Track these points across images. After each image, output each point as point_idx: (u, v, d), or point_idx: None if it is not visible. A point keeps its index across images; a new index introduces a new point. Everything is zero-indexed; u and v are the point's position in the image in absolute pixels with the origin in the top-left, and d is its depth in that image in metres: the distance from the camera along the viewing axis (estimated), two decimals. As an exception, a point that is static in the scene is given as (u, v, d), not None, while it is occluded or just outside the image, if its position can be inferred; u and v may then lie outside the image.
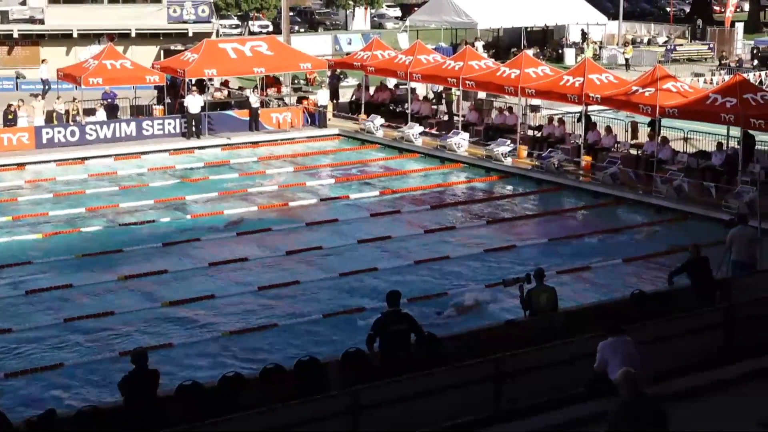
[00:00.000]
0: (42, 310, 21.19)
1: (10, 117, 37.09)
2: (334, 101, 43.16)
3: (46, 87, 43.11)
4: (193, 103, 38.08)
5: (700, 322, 15.37)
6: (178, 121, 38.47)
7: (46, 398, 16.74)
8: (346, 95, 44.71)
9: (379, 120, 39.14)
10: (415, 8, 72.63)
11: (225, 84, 44.48)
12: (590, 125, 33.64)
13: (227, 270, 23.91)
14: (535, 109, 39.60)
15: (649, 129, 33.14)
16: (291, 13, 65.00)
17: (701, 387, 13.89)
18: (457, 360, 14.23)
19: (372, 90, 43.46)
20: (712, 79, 47.99)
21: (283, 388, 13.81)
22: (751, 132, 29.37)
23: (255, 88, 42.37)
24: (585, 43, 61.94)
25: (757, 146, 30.80)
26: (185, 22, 51.44)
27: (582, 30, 64.22)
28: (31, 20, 51.41)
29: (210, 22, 52.63)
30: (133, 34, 49.68)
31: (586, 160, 31.94)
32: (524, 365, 13.58)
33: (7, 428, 11.82)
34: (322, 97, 41.99)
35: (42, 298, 21.86)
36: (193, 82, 39.86)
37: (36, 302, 21.64)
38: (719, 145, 30.57)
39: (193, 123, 38.11)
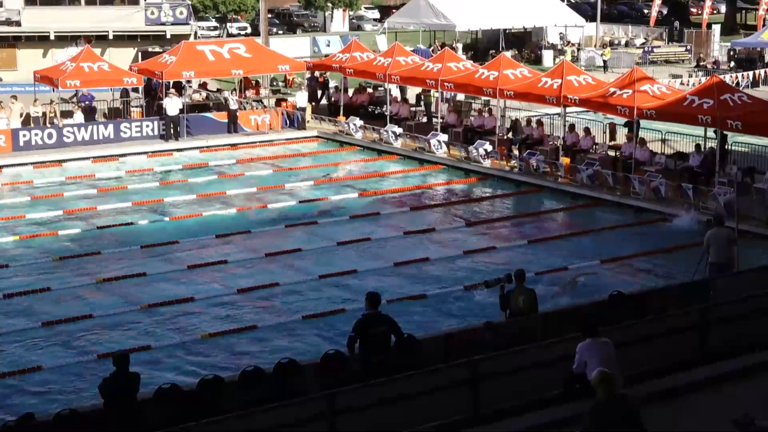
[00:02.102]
0: (19, 313, 21.08)
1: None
2: (313, 104, 43.15)
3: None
4: (171, 105, 38.00)
5: (676, 323, 15.44)
6: (156, 123, 38.37)
7: (23, 402, 16.67)
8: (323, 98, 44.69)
9: (358, 122, 39.18)
10: (394, 10, 72.70)
11: (203, 86, 44.42)
12: (569, 127, 33.77)
13: (207, 272, 23.87)
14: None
15: (626, 130, 33.30)
16: (269, 15, 64.92)
17: (678, 388, 13.97)
18: (434, 362, 14.24)
19: (351, 92, 43.48)
20: (689, 81, 48.24)
21: (262, 391, 13.79)
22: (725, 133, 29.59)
23: (233, 90, 42.32)
24: (565, 45, 62.13)
25: (734, 147, 31.00)
26: (163, 24, 51.31)
27: (560, 34, 64.45)
28: (8, 22, 51.12)
29: (188, 24, 52.51)
30: (110, 36, 49.51)
31: (564, 161, 32.04)
32: (501, 367, 13.60)
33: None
34: (300, 99, 41.97)
35: (19, 301, 21.75)
36: (171, 84, 39.77)
37: (13, 305, 21.53)
38: (697, 146, 30.73)
39: (172, 125, 38.03)
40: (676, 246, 24.71)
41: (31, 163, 35.24)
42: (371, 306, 14.55)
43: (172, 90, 39.21)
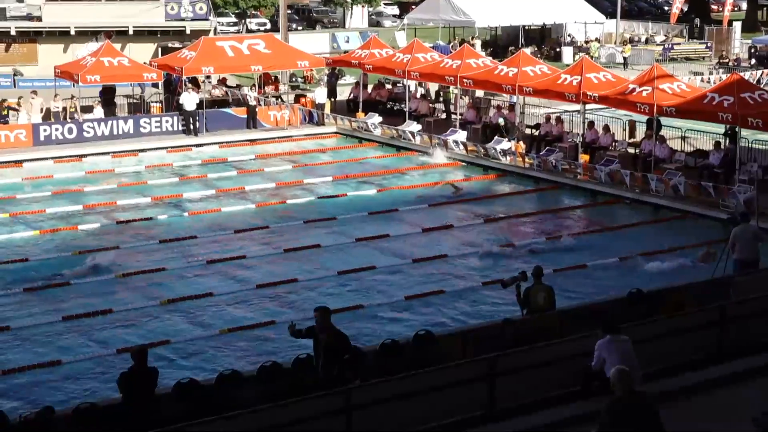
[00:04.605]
0: (40, 307, 21.19)
1: (4, 113, 37.11)
2: (332, 99, 43.18)
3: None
4: (189, 100, 38.11)
5: (695, 321, 15.39)
6: (175, 118, 38.50)
7: (43, 395, 16.77)
8: (343, 93, 44.71)
9: (377, 118, 39.20)
10: (413, 6, 72.62)
11: (222, 82, 44.51)
12: (588, 124, 33.70)
13: (226, 267, 23.94)
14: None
15: (645, 127, 33.20)
16: (289, 11, 64.93)
17: (696, 385, 13.94)
18: (451, 358, 14.25)
19: (370, 88, 43.50)
20: (709, 78, 48.04)
21: (280, 386, 13.83)
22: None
23: (252, 86, 42.41)
24: (589, 42, 61.91)
25: (754, 145, 30.87)
26: (183, 19, 51.43)
27: (585, 32, 64.35)
28: (29, 17, 51.40)
29: (207, 19, 52.63)
30: (130, 32, 49.66)
31: (584, 159, 31.98)
32: (518, 364, 13.59)
33: (3, 426, 11.83)
34: (319, 95, 42.00)
35: (39, 296, 21.87)
36: (188, 80, 39.86)
37: (33, 300, 21.65)
38: (717, 144, 30.62)
39: (190, 120, 38.15)
40: (696, 243, 24.65)
41: (52, 158, 35.40)
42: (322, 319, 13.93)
43: (190, 85, 39.29)
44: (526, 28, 62.39)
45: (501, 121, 36.14)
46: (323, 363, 13.64)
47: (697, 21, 71.73)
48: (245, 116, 39.74)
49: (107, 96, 39.76)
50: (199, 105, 38.61)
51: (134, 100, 40.63)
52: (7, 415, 12.52)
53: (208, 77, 42.98)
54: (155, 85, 41.75)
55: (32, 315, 20.72)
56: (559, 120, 35.43)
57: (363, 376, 13.50)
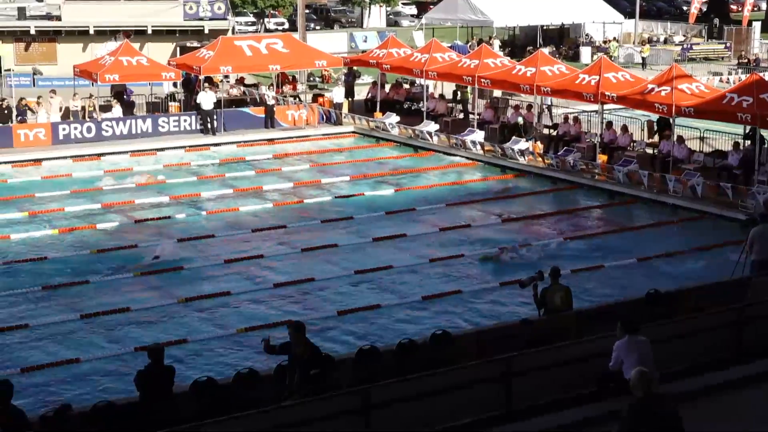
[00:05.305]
0: (58, 305, 21.29)
1: (23, 110, 37.29)
2: (350, 99, 43.21)
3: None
4: (206, 99, 38.20)
5: (713, 321, 15.34)
6: (193, 117, 38.62)
7: (61, 393, 16.85)
8: (361, 93, 44.74)
9: (394, 118, 39.20)
10: (431, 6, 72.58)
11: (240, 81, 44.59)
12: (606, 124, 33.61)
13: (243, 266, 23.99)
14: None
15: (657, 127, 33.21)
16: (307, 11, 65.04)
17: (714, 387, 13.88)
18: (467, 358, 14.24)
19: (387, 88, 43.51)
20: (728, 79, 47.84)
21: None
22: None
23: (270, 86, 42.47)
24: (608, 42, 61.75)
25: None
26: (201, 19, 51.55)
27: (603, 32, 64.20)
28: (48, 17, 51.63)
29: (226, 19, 52.73)
30: (149, 31, 49.80)
31: (601, 159, 31.90)
32: (535, 364, 13.57)
33: (23, 425, 11.88)
34: (337, 94, 42.04)
35: (58, 294, 21.97)
36: (204, 79, 39.98)
37: (52, 298, 21.75)
38: (735, 144, 30.50)
39: (207, 119, 38.25)
40: (714, 244, 24.56)
41: (71, 157, 35.55)
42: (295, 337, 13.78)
43: (207, 84, 39.40)
44: (545, 27, 62.30)
45: (520, 120, 36.14)
46: (298, 379, 13.36)
47: (716, 21, 71.45)
48: (263, 116, 39.82)
49: (118, 96, 39.95)
50: (217, 104, 38.69)
51: (154, 99, 40.71)
52: (26, 413, 12.56)
53: (226, 77, 43.06)
54: (175, 85, 41.89)
55: (50, 313, 20.80)
56: (577, 120, 35.35)
57: (381, 376, 13.50)
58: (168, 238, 25.59)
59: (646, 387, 10.43)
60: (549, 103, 38.64)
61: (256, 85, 44.26)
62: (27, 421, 11.99)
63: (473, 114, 38.80)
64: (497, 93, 40.76)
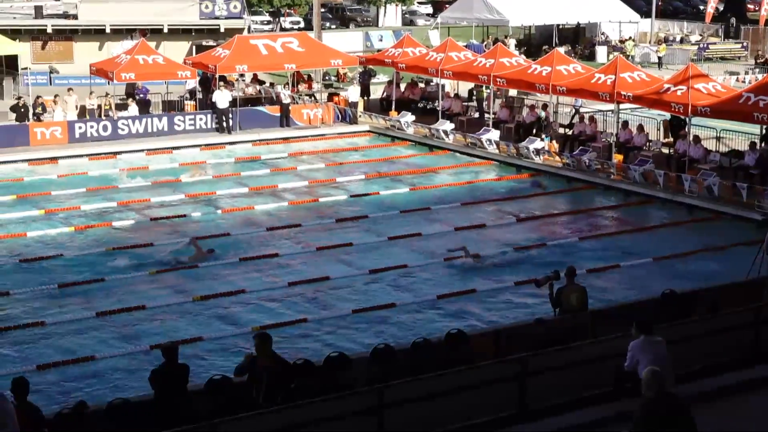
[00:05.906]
0: (74, 303, 21.35)
1: (38, 110, 37.42)
2: (365, 98, 43.21)
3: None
4: (221, 98, 38.26)
5: (729, 322, 15.28)
6: (209, 116, 38.68)
7: (77, 391, 16.90)
8: (376, 92, 44.73)
9: (409, 117, 39.19)
10: (447, 5, 72.51)
11: (255, 80, 44.63)
12: (622, 124, 33.52)
13: (258, 265, 24.01)
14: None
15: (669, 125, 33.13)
16: (322, 10, 65.00)
17: (731, 387, 13.83)
18: (483, 358, 14.22)
19: (403, 87, 43.49)
20: (745, 78, 47.65)
21: (311, 384, 13.84)
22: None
23: (286, 84, 42.50)
24: (624, 41, 61.57)
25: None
26: (217, 18, 51.60)
27: (620, 31, 64.03)
28: (65, 15, 51.76)
29: (242, 18, 52.75)
30: (165, 30, 49.87)
31: (617, 158, 31.81)
32: (550, 364, 13.55)
33: (39, 421, 11.93)
34: (352, 93, 42.04)
35: (74, 291, 22.03)
36: (219, 78, 40.05)
37: (68, 295, 21.81)
38: (752, 144, 30.38)
39: (223, 118, 38.31)
40: (730, 244, 24.48)
41: (87, 155, 35.65)
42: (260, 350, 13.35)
43: (222, 83, 39.47)
44: (560, 27, 62.16)
45: (542, 114, 36.09)
46: (265, 392, 13.00)
47: (733, 20, 71.13)
48: (278, 114, 39.84)
49: (130, 95, 40.07)
50: (232, 103, 38.74)
51: (170, 98, 40.79)
52: (41, 410, 12.60)
53: (241, 75, 43.10)
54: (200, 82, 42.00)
55: (66, 311, 20.87)
56: (592, 119, 35.27)
57: (395, 375, 13.50)
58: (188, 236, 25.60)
59: (658, 387, 10.40)
60: (579, 105, 38.57)
61: (271, 84, 44.30)
62: (43, 417, 12.05)
63: (488, 113, 38.75)
64: (513, 92, 40.69)
